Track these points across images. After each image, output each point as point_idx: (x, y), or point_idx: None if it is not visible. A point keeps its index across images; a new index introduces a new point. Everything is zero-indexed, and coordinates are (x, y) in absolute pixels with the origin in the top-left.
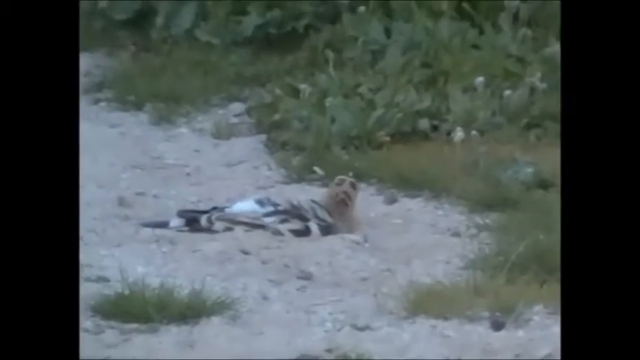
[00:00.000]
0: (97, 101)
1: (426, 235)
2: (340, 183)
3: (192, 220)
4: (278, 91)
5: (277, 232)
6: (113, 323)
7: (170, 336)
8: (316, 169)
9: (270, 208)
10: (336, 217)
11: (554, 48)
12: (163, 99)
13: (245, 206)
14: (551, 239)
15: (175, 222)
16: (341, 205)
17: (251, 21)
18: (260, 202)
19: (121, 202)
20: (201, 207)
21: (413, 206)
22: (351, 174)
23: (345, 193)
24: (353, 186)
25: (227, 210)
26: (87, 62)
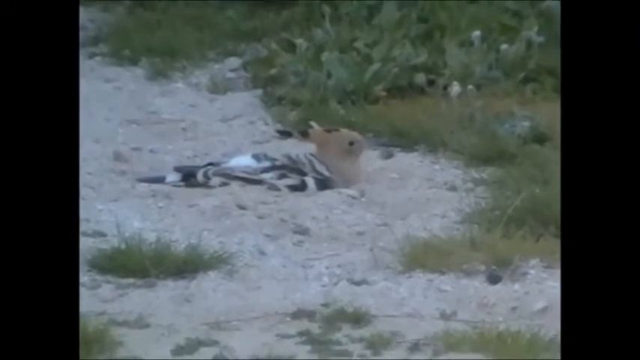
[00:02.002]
0: (92, 55)
1: (422, 190)
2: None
3: (188, 175)
4: (274, 46)
5: (273, 187)
6: (110, 278)
7: (167, 290)
8: (312, 123)
9: (267, 164)
10: (333, 171)
11: (551, 1)
12: (159, 54)
13: (242, 161)
14: (547, 193)
15: (172, 177)
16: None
17: None
18: (257, 158)
19: (117, 157)
20: (198, 162)
21: (409, 161)
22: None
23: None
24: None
25: (224, 165)
26: (82, 16)
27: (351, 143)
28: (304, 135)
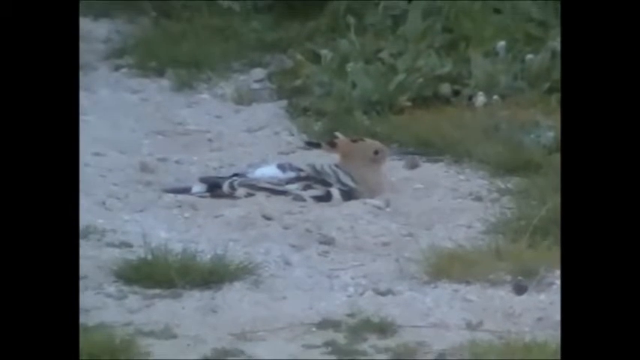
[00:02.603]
0: (117, 67)
1: (447, 200)
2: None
3: (214, 186)
4: (299, 57)
5: (299, 198)
6: (136, 288)
7: (193, 301)
8: (338, 134)
9: (292, 174)
10: (358, 182)
11: None
12: (184, 65)
13: (267, 171)
14: None
15: (197, 187)
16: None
17: None
18: (282, 168)
19: (143, 167)
20: (223, 172)
21: (434, 171)
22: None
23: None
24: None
25: (249, 175)
26: (107, 28)
27: (376, 152)
28: (332, 145)
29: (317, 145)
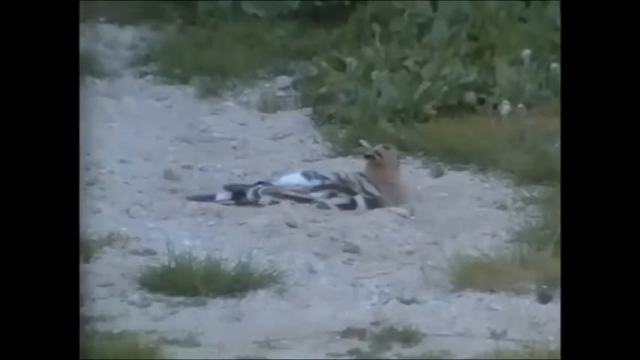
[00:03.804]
0: (143, 74)
1: (472, 208)
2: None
3: (238, 194)
4: (324, 64)
5: (323, 206)
6: (160, 296)
7: (217, 309)
8: (363, 142)
9: (317, 182)
10: (382, 190)
11: None
12: (209, 72)
13: (292, 179)
14: None
15: (222, 195)
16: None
17: None
18: (307, 176)
19: (168, 175)
20: (248, 180)
21: (459, 179)
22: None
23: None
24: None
25: (274, 183)
26: (133, 35)
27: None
28: (376, 155)
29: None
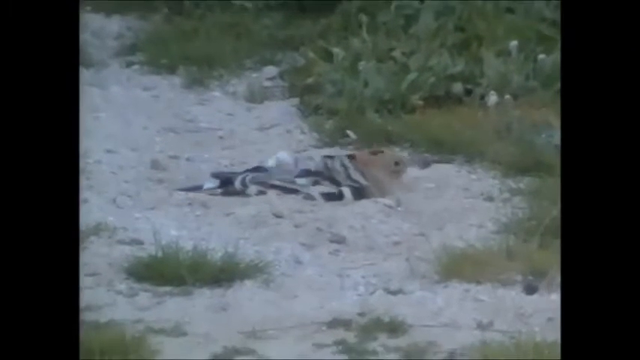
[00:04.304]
0: (129, 64)
1: (459, 199)
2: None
3: (226, 182)
4: (311, 55)
5: (309, 197)
6: (147, 286)
7: (203, 299)
8: (349, 132)
9: (303, 167)
10: (369, 180)
11: None
12: (196, 62)
13: (282, 157)
14: None
15: (210, 183)
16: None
17: None
18: (295, 160)
19: (155, 165)
20: (234, 170)
21: (446, 170)
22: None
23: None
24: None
25: (265, 165)
26: (119, 25)
27: (397, 163)
28: (351, 158)
29: (331, 157)
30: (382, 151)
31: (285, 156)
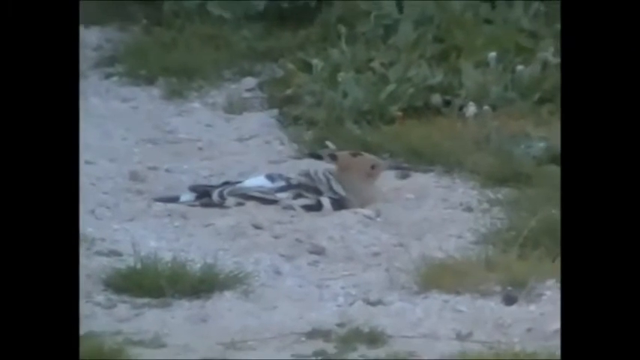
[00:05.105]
0: (108, 75)
1: (438, 210)
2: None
3: (203, 195)
4: (290, 66)
5: (289, 207)
6: (125, 297)
7: (182, 310)
8: (328, 143)
9: (282, 183)
10: (352, 191)
11: None
12: (175, 73)
13: (256, 182)
14: None
15: (186, 196)
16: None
17: None
18: (270, 178)
19: (133, 176)
20: (213, 181)
21: (425, 181)
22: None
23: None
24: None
25: (238, 186)
26: (98, 36)
27: (373, 167)
28: (333, 158)
29: (319, 157)
30: (361, 154)
31: (262, 180)
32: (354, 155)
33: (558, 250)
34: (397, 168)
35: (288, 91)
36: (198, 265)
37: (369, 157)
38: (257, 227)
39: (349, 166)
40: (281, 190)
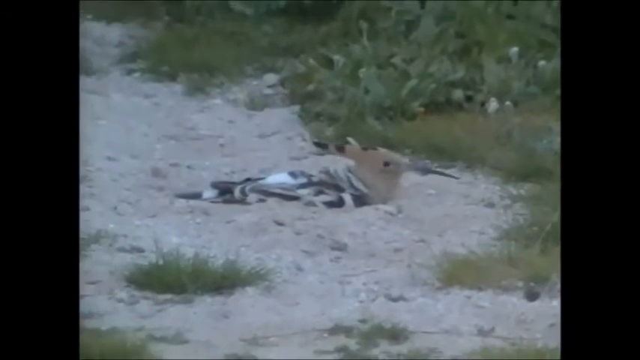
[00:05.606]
0: (130, 72)
1: (459, 206)
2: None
3: (225, 191)
4: (312, 62)
5: (311, 204)
6: (147, 293)
7: (204, 306)
8: (350, 139)
9: (304, 180)
10: (370, 186)
11: None
12: (197, 69)
13: (278, 179)
14: None
15: (209, 193)
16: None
17: None
18: (293, 175)
19: (155, 172)
20: (235, 178)
21: (446, 177)
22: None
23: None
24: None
25: (260, 182)
26: (120, 32)
27: (386, 164)
28: (340, 150)
29: (325, 147)
30: (375, 149)
31: (284, 177)
32: (365, 149)
33: None
34: (419, 169)
35: (310, 87)
36: (220, 262)
37: (381, 153)
38: (279, 224)
39: (359, 160)
40: (303, 186)
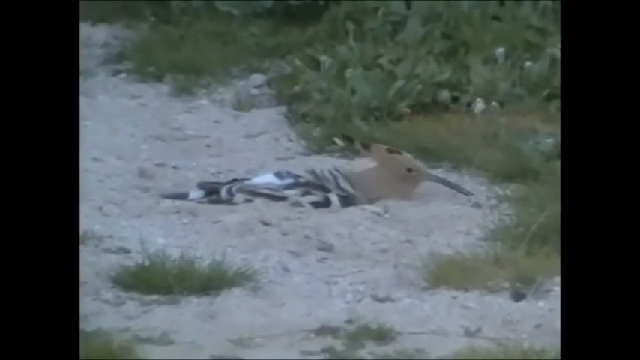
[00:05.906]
0: (116, 72)
1: (446, 206)
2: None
3: (211, 192)
4: (298, 63)
5: (297, 204)
6: (134, 294)
7: (191, 307)
8: (336, 140)
9: (290, 181)
10: (357, 188)
11: None
12: (183, 70)
13: (264, 179)
14: None
15: (195, 194)
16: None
17: None
18: (279, 176)
19: (141, 173)
20: (222, 178)
21: None
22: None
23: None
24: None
25: (246, 183)
26: (106, 33)
27: (409, 170)
28: (365, 148)
29: (351, 141)
30: (400, 153)
31: (270, 178)
32: (390, 152)
33: None
34: (440, 182)
35: (296, 88)
36: (207, 262)
37: (406, 158)
38: (265, 224)
39: (382, 162)
40: (289, 187)
